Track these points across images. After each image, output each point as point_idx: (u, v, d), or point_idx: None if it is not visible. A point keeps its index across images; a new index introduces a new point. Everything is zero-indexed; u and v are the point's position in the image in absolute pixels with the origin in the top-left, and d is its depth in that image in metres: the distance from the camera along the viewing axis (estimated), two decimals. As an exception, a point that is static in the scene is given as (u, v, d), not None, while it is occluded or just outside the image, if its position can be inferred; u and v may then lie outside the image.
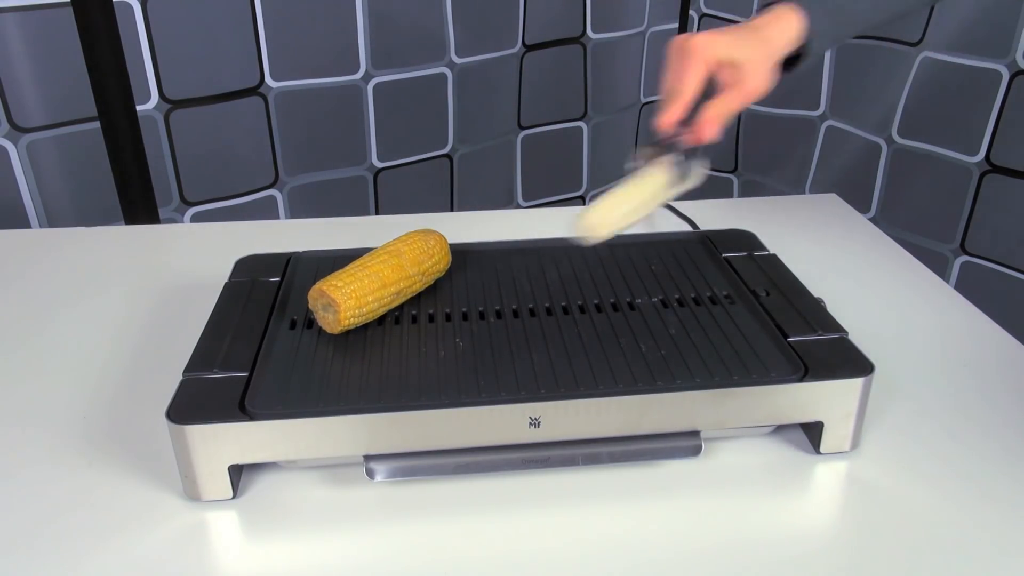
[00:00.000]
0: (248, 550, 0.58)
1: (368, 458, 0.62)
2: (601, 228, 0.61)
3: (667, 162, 0.67)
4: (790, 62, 0.71)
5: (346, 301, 0.67)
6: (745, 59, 0.65)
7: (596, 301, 0.73)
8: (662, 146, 0.67)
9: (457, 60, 1.45)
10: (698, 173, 0.68)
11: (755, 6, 1.57)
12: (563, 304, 0.73)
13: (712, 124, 0.65)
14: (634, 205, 0.63)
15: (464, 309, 0.73)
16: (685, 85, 0.64)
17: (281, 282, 0.77)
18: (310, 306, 0.69)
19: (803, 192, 1.55)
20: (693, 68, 0.64)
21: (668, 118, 0.65)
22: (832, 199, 1.15)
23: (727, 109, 0.66)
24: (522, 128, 1.63)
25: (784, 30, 0.68)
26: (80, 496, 0.62)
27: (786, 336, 0.68)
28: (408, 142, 1.48)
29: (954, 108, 1.22)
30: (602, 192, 0.61)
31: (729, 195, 1.72)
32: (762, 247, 0.84)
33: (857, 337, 0.68)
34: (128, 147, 1.22)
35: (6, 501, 0.61)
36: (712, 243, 0.84)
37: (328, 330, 0.68)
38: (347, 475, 0.64)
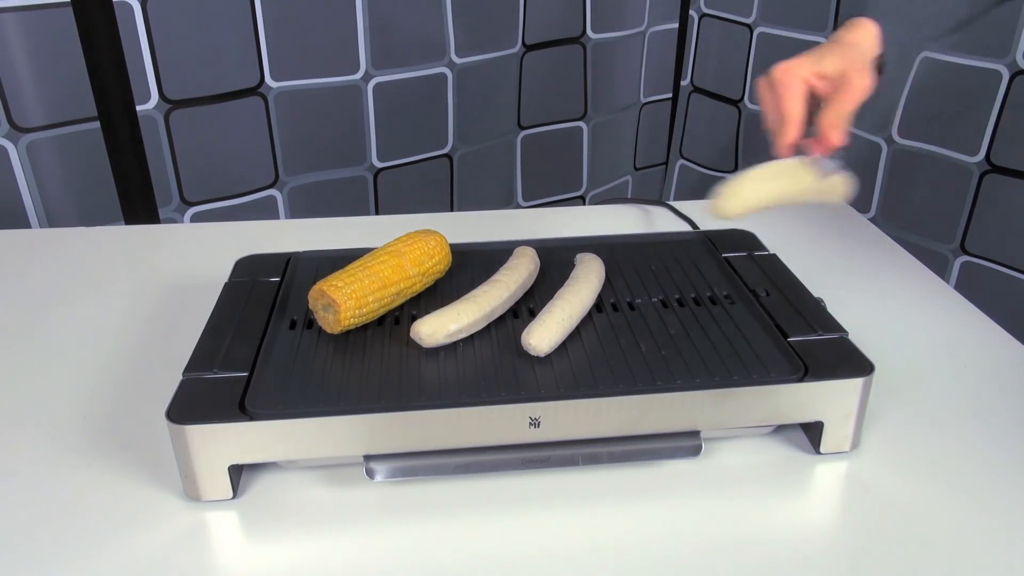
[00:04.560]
0: (248, 550, 0.58)
1: (368, 458, 0.62)
2: (735, 206, 0.59)
3: (811, 163, 0.68)
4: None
5: (346, 301, 0.67)
6: (838, 67, 0.68)
7: (596, 301, 0.73)
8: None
9: (457, 60, 1.45)
10: (844, 184, 0.68)
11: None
12: (563, 304, 0.73)
13: (836, 129, 0.67)
14: (777, 190, 0.62)
15: (464, 309, 0.73)
16: (790, 109, 0.67)
17: (281, 282, 0.77)
18: (310, 306, 0.69)
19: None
20: (791, 92, 0.67)
21: (786, 142, 0.67)
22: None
23: (844, 111, 0.68)
24: (522, 128, 1.63)
25: (865, 35, 0.71)
26: (80, 496, 0.62)
27: (786, 336, 0.68)
28: (408, 142, 1.48)
29: (954, 108, 1.22)
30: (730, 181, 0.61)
31: (729, 195, 1.72)
32: (762, 247, 0.84)
33: (857, 337, 0.68)
34: (128, 147, 1.23)
35: (6, 501, 0.61)
36: (712, 243, 0.84)
37: (328, 330, 0.68)
38: (347, 475, 0.64)
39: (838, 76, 0.68)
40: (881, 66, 0.73)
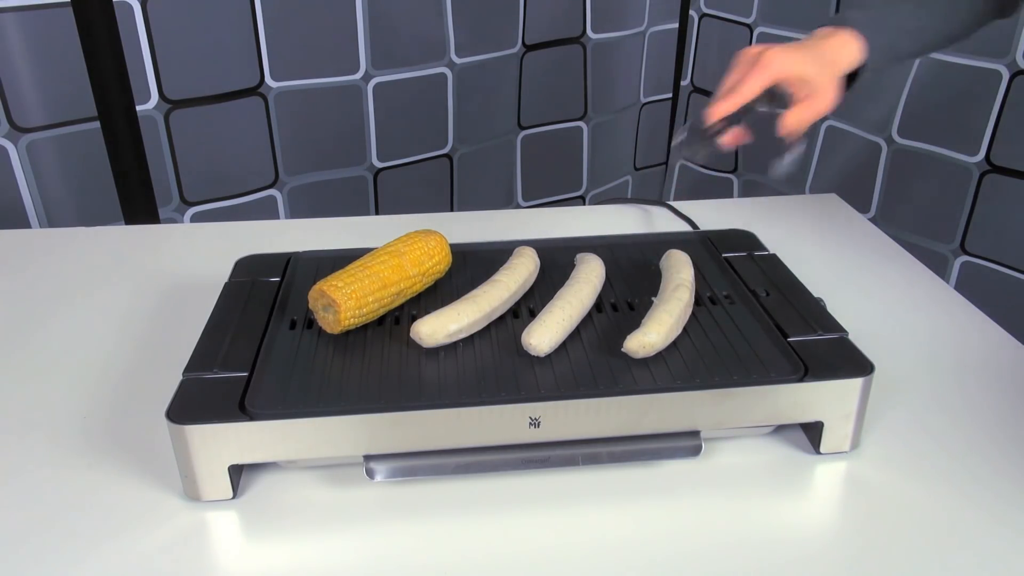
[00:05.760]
0: (248, 550, 0.58)
1: (368, 458, 0.62)
2: (656, 345, 0.65)
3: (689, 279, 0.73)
4: (847, 79, 0.76)
5: (346, 301, 0.67)
6: (815, 76, 0.70)
7: (596, 301, 0.73)
8: (702, 138, 0.73)
9: (457, 60, 1.45)
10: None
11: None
12: (563, 304, 0.73)
13: (795, 132, 0.71)
14: (676, 318, 0.68)
15: (464, 309, 0.73)
16: (747, 87, 0.70)
17: (281, 282, 0.77)
18: (310, 306, 0.69)
19: (803, 192, 1.55)
20: (761, 76, 0.70)
21: (720, 110, 0.71)
22: (832, 199, 1.15)
23: (806, 119, 0.72)
24: (522, 128, 1.63)
25: (847, 52, 0.73)
26: (80, 496, 0.62)
27: (786, 336, 0.68)
28: (408, 142, 1.48)
29: (954, 108, 1.22)
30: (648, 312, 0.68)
31: (729, 195, 1.72)
32: (762, 247, 0.84)
33: (857, 337, 0.68)
34: (128, 147, 1.23)
35: (6, 501, 0.61)
36: (712, 243, 0.84)
37: (328, 330, 0.68)
38: (347, 475, 0.64)
39: (811, 84, 0.71)
40: (855, 78, 0.75)
